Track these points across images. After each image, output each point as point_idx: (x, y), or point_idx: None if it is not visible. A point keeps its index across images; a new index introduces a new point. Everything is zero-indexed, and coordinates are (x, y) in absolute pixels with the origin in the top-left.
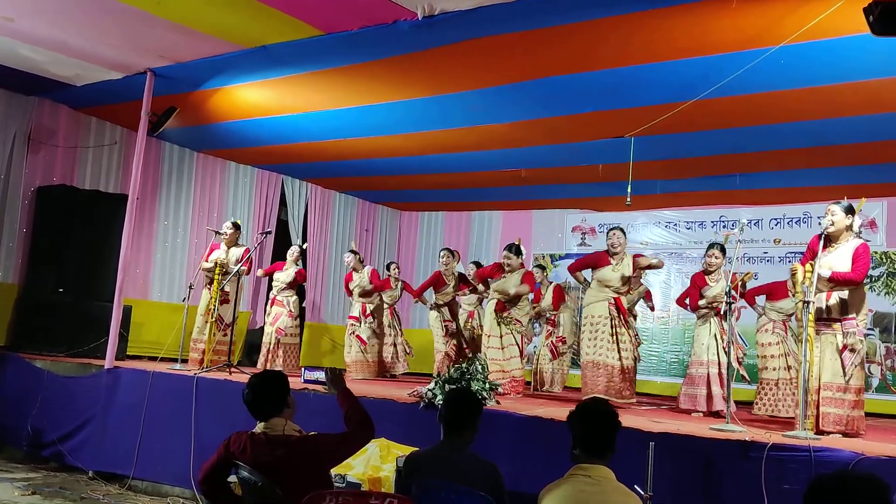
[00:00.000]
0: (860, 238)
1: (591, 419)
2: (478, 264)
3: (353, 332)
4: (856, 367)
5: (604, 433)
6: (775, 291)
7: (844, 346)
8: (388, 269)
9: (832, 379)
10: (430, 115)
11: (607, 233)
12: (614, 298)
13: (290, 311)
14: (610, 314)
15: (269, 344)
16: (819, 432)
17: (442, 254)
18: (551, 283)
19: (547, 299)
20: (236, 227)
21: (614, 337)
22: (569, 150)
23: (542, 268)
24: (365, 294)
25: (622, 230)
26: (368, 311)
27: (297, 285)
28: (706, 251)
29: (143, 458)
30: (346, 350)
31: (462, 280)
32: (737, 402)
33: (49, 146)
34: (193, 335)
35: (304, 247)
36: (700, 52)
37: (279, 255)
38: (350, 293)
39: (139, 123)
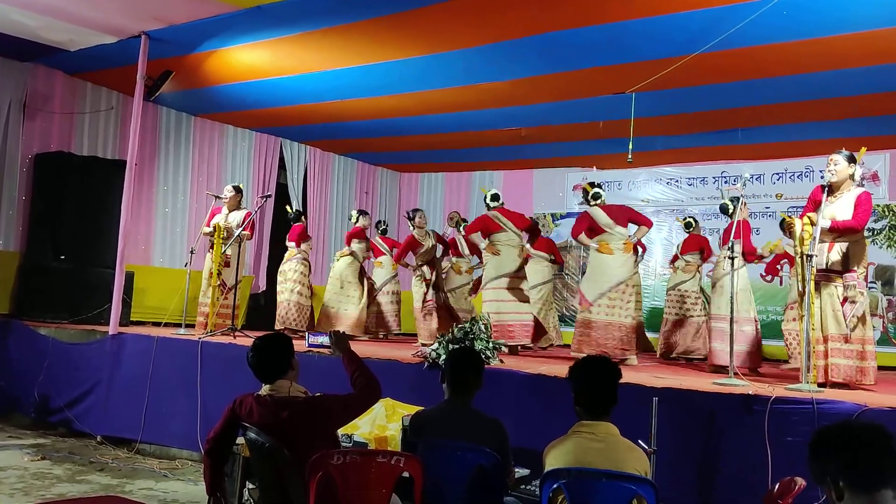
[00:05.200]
0: (862, 187)
1: (592, 374)
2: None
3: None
4: (857, 318)
5: (606, 388)
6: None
7: (845, 299)
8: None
9: (837, 331)
10: (429, 73)
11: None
12: None
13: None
14: None
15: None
16: (825, 383)
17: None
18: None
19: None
20: (237, 190)
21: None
22: (569, 108)
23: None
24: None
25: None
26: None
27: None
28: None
29: (150, 423)
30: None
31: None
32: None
33: (45, 112)
34: (199, 299)
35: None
36: (701, 5)
37: (279, 219)
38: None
39: (135, 88)
